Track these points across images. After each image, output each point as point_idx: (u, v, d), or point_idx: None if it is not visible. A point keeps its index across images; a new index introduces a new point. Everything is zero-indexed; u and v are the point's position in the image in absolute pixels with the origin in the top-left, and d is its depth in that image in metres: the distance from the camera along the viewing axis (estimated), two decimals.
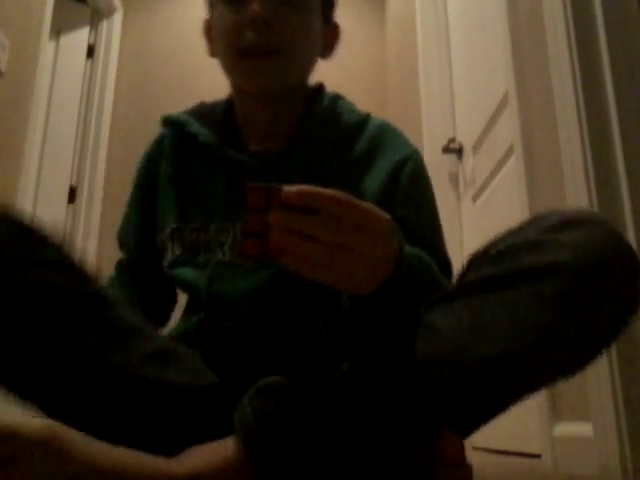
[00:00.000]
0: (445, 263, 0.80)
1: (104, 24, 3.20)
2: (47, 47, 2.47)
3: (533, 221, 0.62)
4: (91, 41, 3.16)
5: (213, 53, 0.87)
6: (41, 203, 2.78)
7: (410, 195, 0.81)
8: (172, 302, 0.93)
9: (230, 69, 0.83)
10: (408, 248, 0.60)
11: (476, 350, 0.56)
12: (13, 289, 0.58)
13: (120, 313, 0.64)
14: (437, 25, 2.54)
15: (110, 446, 0.55)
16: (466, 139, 2.24)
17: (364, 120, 0.87)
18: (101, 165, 3.00)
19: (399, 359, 0.58)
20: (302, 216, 0.49)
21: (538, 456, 1.39)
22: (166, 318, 0.92)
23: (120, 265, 0.92)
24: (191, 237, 0.81)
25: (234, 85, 0.87)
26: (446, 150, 2.31)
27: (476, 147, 2.12)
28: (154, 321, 0.87)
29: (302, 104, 0.87)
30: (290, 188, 0.49)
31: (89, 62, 3.14)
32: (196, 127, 0.84)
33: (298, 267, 0.51)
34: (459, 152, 2.30)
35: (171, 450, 0.57)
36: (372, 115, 0.89)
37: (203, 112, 0.88)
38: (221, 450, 0.56)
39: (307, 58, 0.85)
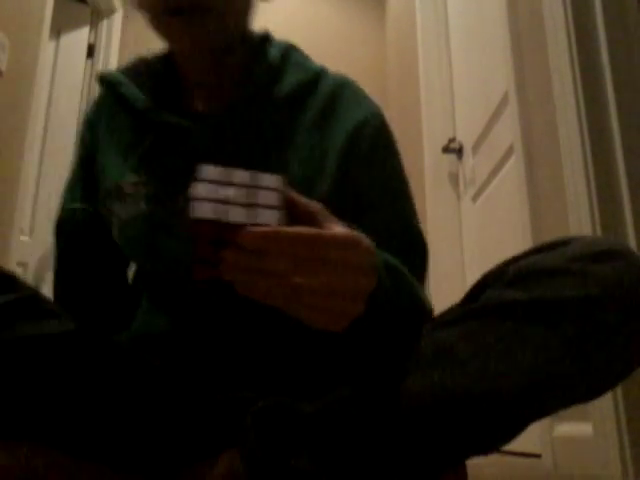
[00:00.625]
0: (416, 237, 0.74)
1: (104, 24, 3.20)
2: (47, 47, 2.47)
3: (555, 246, 0.57)
4: (91, 41, 3.16)
5: (139, 4, 0.76)
6: (41, 203, 2.78)
7: (372, 162, 0.73)
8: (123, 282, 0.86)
9: (157, 28, 0.73)
10: (383, 265, 0.55)
11: (501, 385, 0.52)
12: None
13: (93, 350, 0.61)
14: (437, 25, 2.54)
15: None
16: (466, 139, 2.24)
17: (318, 75, 0.77)
18: None
19: (416, 390, 0.53)
20: (259, 257, 0.43)
21: (538, 456, 1.39)
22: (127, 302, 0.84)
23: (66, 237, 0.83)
24: (131, 191, 0.74)
25: (165, 42, 0.78)
26: (446, 150, 2.31)
27: (476, 147, 2.12)
28: (115, 311, 0.82)
29: (246, 56, 0.77)
30: (248, 230, 0.43)
31: (89, 62, 3.14)
32: (130, 88, 0.76)
33: (256, 298, 0.45)
34: (459, 152, 2.30)
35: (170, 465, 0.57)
36: (329, 69, 0.80)
37: (139, 70, 0.80)
38: (219, 464, 0.55)
39: (242, 8, 0.74)
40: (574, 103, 1.19)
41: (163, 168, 0.73)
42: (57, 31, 2.96)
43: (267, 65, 0.75)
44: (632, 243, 1.07)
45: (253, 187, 0.46)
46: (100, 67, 3.14)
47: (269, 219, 0.44)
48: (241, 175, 0.46)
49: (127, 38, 3.27)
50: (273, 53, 0.77)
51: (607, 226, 1.11)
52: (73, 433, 0.58)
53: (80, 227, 0.81)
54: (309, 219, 0.48)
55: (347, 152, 0.72)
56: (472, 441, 0.55)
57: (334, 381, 0.59)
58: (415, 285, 0.63)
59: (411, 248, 0.71)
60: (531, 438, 1.47)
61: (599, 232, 1.11)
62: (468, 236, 2.22)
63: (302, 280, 0.44)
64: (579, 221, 1.16)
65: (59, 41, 3.04)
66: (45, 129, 2.88)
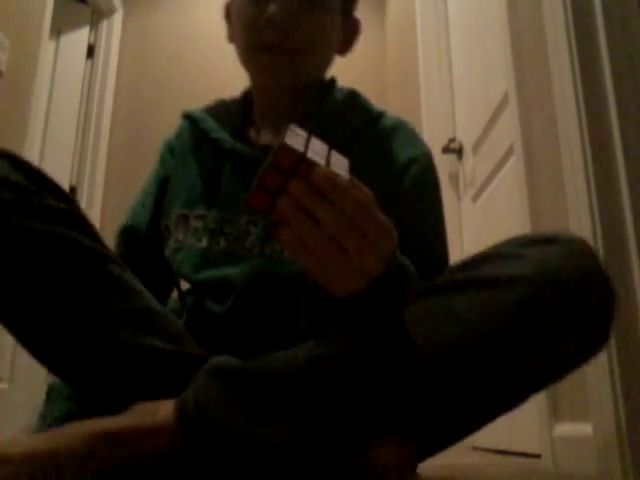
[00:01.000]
0: (442, 267, 0.79)
1: (104, 24, 3.20)
2: (47, 47, 2.47)
3: (512, 239, 0.65)
4: (91, 41, 3.16)
5: (232, 38, 0.87)
6: None
7: (413, 198, 0.81)
8: (167, 293, 0.93)
9: (247, 60, 0.84)
10: (398, 263, 0.61)
11: (426, 347, 0.58)
12: (7, 233, 0.61)
13: (113, 270, 0.66)
14: (437, 25, 2.54)
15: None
16: (466, 139, 2.24)
17: (377, 117, 0.87)
18: (101, 165, 3.00)
19: (351, 345, 0.60)
20: (319, 198, 0.48)
21: (538, 456, 1.39)
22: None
23: (125, 241, 0.90)
24: (195, 224, 0.82)
25: (250, 76, 0.88)
26: (446, 150, 2.31)
27: (476, 147, 2.11)
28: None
29: (315, 98, 0.87)
30: (322, 170, 0.47)
31: (89, 62, 3.14)
32: (209, 124, 0.86)
33: (287, 242, 0.50)
34: (459, 152, 2.30)
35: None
36: (388, 113, 0.89)
37: (219, 109, 0.90)
38: (158, 409, 0.58)
39: (324, 57, 0.85)
40: (574, 103, 1.19)
41: (232, 198, 0.81)
42: (57, 31, 2.96)
43: (333, 106, 0.85)
44: (632, 243, 1.07)
45: (328, 156, 0.51)
46: (100, 67, 3.14)
47: (342, 173, 0.49)
48: (320, 144, 0.51)
49: (127, 38, 3.27)
50: (338, 96, 0.87)
51: (607, 226, 1.11)
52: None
53: (142, 238, 0.90)
54: None
55: (397, 180, 0.81)
56: (412, 418, 0.59)
57: None
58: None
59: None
60: (531, 438, 1.47)
61: (599, 232, 1.11)
62: (468, 236, 2.22)
63: (337, 236, 0.49)
64: (579, 221, 1.16)
65: (59, 41, 3.04)
66: (45, 129, 2.88)
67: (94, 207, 2.90)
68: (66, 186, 2.90)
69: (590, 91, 1.18)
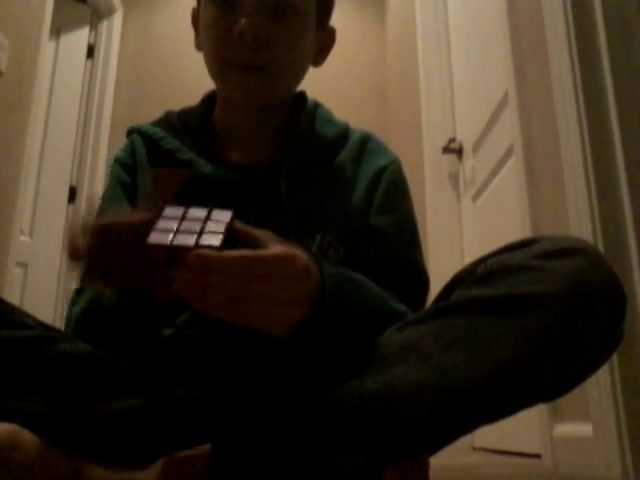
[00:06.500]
0: (418, 274, 0.80)
1: (104, 24, 3.20)
2: (47, 47, 2.47)
3: (522, 245, 0.62)
4: (91, 41, 3.16)
5: (199, 47, 0.83)
6: (41, 203, 2.78)
7: (386, 204, 0.81)
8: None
9: (216, 76, 0.81)
10: (342, 279, 0.60)
11: (460, 378, 0.54)
12: None
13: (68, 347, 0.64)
14: (437, 25, 2.54)
15: (73, 456, 0.56)
16: (466, 139, 2.24)
17: (345, 130, 0.86)
18: (101, 165, 3.00)
19: (375, 386, 0.56)
20: (205, 274, 0.51)
21: (538, 456, 1.39)
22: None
23: None
24: None
25: (218, 90, 0.85)
26: (446, 150, 2.31)
27: (476, 147, 2.12)
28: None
29: (285, 112, 0.85)
30: (193, 252, 0.51)
31: (89, 62, 3.14)
32: (172, 143, 0.80)
33: (208, 311, 0.52)
34: (459, 152, 2.30)
35: (145, 458, 0.59)
36: (350, 124, 0.89)
37: (174, 123, 0.84)
38: (194, 461, 0.57)
39: (298, 72, 0.82)
40: (574, 103, 1.19)
41: None
42: (57, 31, 2.95)
43: (307, 121, 0.84)
44: (632, 243, 1.08)
45: (206, 220, 0.55)
46: (100, 67, 3.14)
47: (212, 241, 0.52)
48: (198, 212, 0.56)
49: (127, 38, 3.27)
50: (307, 110, 0.85)
51: (607, 226, 1.11)
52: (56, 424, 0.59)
53: None
54: (256, 243, 0.55)
55: (370, 190, 0.81)
56: (427, 433, 0.56)
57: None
58: (378, 294, 0.67)
59: (413, 279, 0.80)
60: (531, 438, 1.47)
61: (599, 232, 1.11)
62: (468, 236, 2.22)
63: (242, 291, 0.51)
64: (579, 221, 1.16)
65: (59, 41, 3.04)
66: (45, 129, 2.88)
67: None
68: (66, 186, 2.91)
69: (590, 91, 1.18)
